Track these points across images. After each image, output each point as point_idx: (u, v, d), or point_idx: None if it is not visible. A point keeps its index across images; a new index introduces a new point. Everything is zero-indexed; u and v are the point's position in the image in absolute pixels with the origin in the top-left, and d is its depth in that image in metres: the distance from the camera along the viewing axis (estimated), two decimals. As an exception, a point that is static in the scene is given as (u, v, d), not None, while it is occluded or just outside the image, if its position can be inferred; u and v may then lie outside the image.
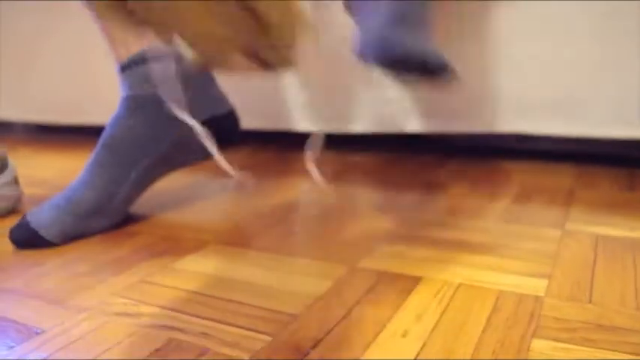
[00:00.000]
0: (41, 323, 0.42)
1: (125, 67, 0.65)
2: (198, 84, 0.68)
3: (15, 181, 0.73)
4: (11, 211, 0.72)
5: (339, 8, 0.82)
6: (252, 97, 0.97)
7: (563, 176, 0.78)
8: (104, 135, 0.64)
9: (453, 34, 0.82)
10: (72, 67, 1.17)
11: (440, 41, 0.83)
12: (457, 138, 0.98)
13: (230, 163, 0.75)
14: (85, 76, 1.16)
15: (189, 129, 0.66)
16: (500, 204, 0.67)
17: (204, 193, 0.77)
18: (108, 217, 0.62)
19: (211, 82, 0.71)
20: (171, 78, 0.65)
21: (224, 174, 0.87)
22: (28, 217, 0.59)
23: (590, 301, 0.42)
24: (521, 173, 0.81)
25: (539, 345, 0.36)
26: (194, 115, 0.67)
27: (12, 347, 0.39)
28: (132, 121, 0.64)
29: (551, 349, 0.36)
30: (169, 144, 0.65)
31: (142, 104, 0.64)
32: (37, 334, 0.41)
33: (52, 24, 1.17)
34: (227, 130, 0.71)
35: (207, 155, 0.69)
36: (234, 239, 0.58)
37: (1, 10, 1.22)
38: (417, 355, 0.36)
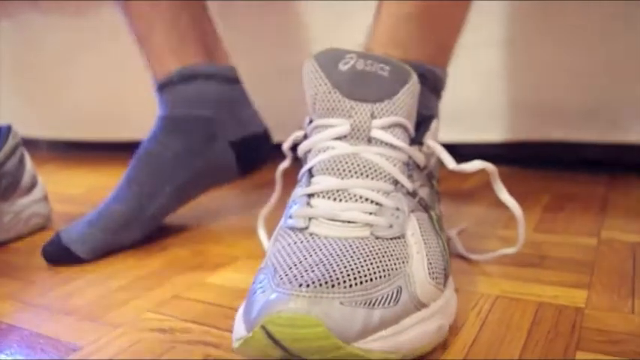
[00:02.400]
0: (77, 340, 0.42)
1: (163, 86, 0.66)
2: (232, 103, 0.69)
3: (45, 198, 0.74)
4: (42, 228, 0.73)
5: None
6: (286, 110, 0.97)
7: (595, 184, 0.77)
8: (139, 150, 0.65)
9: (483, 40, 0.82)
10: (99, 84, 1.19)
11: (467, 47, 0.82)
12: (484, 146, 0.97)
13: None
14: (112, 92, 1.17)
15: (224, 150, 0.67)
16: (533, 213, 0.66)
17: (234, 206, 0.77)
18: (139, 230, 0.62)
19: (245, 100, 0.71)
20: (209, 98, 0.66)
21: (254, 188, 0.86)
22: (61, 234, 0.59)
23: (633, 312, 0.41)
24: (551, 181, 0.80)
25: (584, 358, 0.35)
26: (225, 135, 0.67)
27: (50, 364, 0.39)
28: (169, 140, 0.65)
29: (598, 362, 0.35)
30: (206, 164, 0.66)
31: (180, 124, 0.65)
32: (74, 350, 0.41)
33: (80, 42, 1.18)
34: (257, 150, 0.71)
35: (238, 176, 0.70)
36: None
37: (30, 28, 1.24)
38: (459, 370, 0.35)
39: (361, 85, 0.42)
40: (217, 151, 0.67)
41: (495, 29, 0.81)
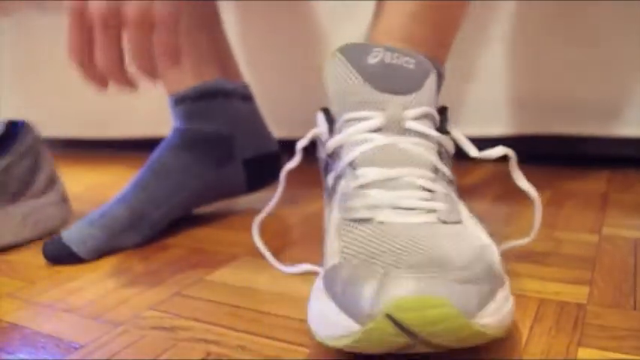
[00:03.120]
0: (79, 338, 0.42)
1: (181, 101, 0.66)
2: (249, 121, 0.70)
3: (63, 200, 0.71)
4: (54, 232, 0.70)
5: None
6: (285, 105, 0.97)
7: (596, 179, 0.77)
8: (152, 158, 0.65)
9: (483, 35, 0.81)
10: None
11: (469, 42, 0.82)
12: (483, 142, 0.97)
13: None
14: (111, 91, 1.17)
15: (236, 167, 0.68)
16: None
17: (234, 204, 0.77)
18: (140, 234, 0.62)
19: (260, 118, 0.72)
20: (228, 115, 0.67)
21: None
22: (62, 233, 0.59)
23: (635, 308, 0.41)
24: (551, 178, 0.80)
25: (586, 354, 0.35)
26: (240, 152, 0.68)
27: (51, 363, 0.39)
28: (183, 152, 0.65)
29: (600, 358, 0.35)
30: (217, 180, 0.67)
31: (199, 139, 0.66)
32: (75, 349, 0.41)
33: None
34: (268, 169, 0.72)
35: (245, 193, 0.71)
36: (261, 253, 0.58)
37: (29, 27, 1.24)
38: (461, 367, 0.35)
39: (391, 77, 0.42)
40: (230, 169, 0.68)
41: (497, 25, 0.81)
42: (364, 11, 0.82)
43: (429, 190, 0.40)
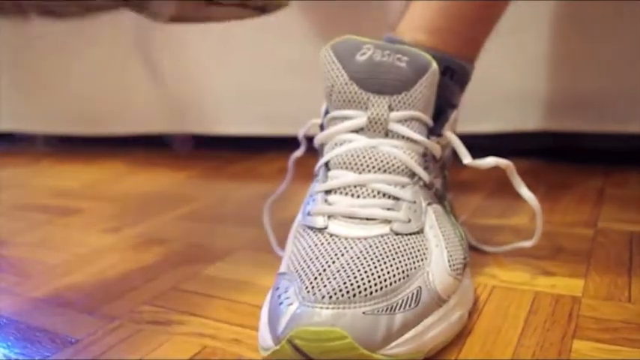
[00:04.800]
0: (74, 332, 0.42)
1: None
2: None
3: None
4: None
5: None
6: (281, 102, 0.97)
7: (591, 175, 0.77)
8: None
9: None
10: (95, 80, 1.18)
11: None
12: (479, 138, 0.97)
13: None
14: (108, 88, 1.17)
15: None
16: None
17: (230, 199, 0.77)
18: None
19: None
20: None
21: (254, 181, 0.86)
22: None
23: (630, 301, 0.41)
24: (547, 172, 0.80)
25: (580, 346, 0.35)
26: None
27: (47, 357, 0.39)
28: None
29: (594, 350, 0.35)
30: None
31: None
32: (71, 343, 0.41)
33: (76, 37, 1.18)
34: None
35: None
36: (262, 245, 0.58)
37: (26, 24, 1.23)
38: (456, 359, 0.35)
39: (378, 76, 0.41)
40: None
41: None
42: (362, 7, 0.82)
43: (395, 198, 0.40)
